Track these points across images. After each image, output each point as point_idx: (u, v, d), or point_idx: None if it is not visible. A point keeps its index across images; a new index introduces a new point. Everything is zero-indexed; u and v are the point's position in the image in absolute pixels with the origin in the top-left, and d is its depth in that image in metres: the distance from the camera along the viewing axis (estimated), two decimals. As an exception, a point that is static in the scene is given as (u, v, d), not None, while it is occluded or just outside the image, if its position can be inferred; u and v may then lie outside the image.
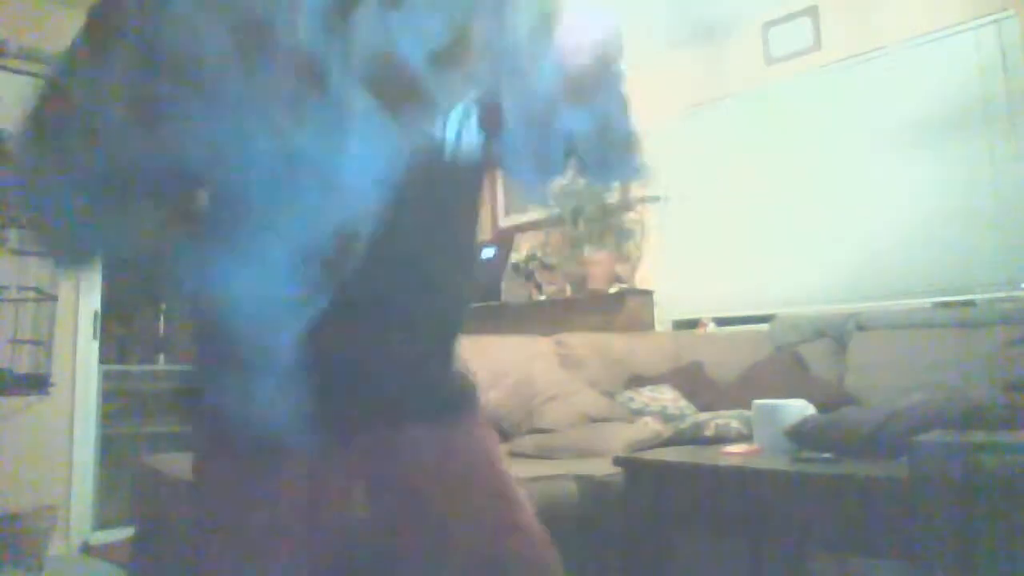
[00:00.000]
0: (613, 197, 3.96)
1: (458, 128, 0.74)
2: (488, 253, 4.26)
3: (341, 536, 0.70)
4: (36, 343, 3.07)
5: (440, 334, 0.80)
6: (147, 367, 4.38)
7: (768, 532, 1.62)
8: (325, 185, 0.61)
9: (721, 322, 3.54)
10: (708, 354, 3.18)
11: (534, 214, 4.51)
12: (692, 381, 3.01)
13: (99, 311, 3.40)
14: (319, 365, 0.63)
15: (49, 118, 0.65)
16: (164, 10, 0.61)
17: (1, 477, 2.92)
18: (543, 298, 4.03)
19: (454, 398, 0.81)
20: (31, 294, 3.05)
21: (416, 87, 0.64)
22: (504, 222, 4.76)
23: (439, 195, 0.75)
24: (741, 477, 1.63)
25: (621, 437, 2.46)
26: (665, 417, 2.73)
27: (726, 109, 3.69)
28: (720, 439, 2.15)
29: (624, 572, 1.83)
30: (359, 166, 0.62)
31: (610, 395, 2.93)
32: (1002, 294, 2.74)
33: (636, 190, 3.95)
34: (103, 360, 3.50)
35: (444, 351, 0.80)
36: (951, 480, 1.24)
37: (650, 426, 2.58)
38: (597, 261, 3.83)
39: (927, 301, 2.89)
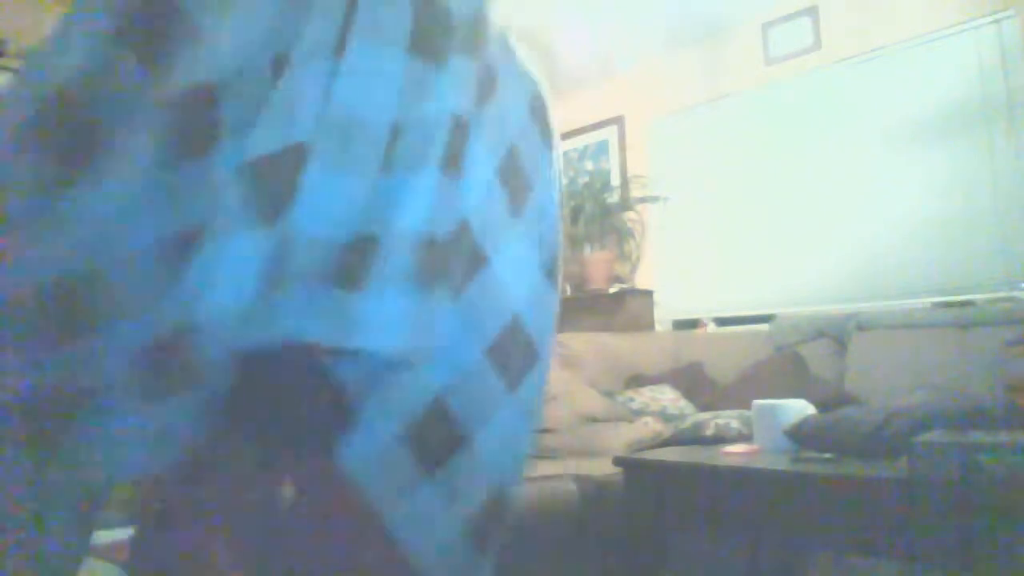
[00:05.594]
0: (613, 197, 3.97)
1: None
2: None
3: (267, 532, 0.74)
4: (36, 343, 3.07)
5: None
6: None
7: (768, 532, 1.63)
8: None
9: (721, 322, 3.54)
10: (708, 354, 3.18)
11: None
12: (692, 381, 3.01)
13: (99, 311, 3.40)
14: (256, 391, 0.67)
15: None
16: None
17: (1, 477, 2.92)
18: (543, 298, 4.03)
19: None
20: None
21: None
22: (504, 222, 4.76)
23: None
24: (741, 477, 1.62)
25: (621, 437, 2.46)
26: (665, 417, 2.73)
27: (726, 109, 3.69)
28: (720, 439, 2.15)
29: (624, 572, 1.83)
30: None
31: (610, 395, 2.93)
32: (1002, 294, 2.75)
33: (636, 190, 3.95)
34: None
35: None
36: (951, 480, 1.24)
37: (650, 426, 2.58)
38: (597, 261, 3.83)
39: (927, 301, 2.89)
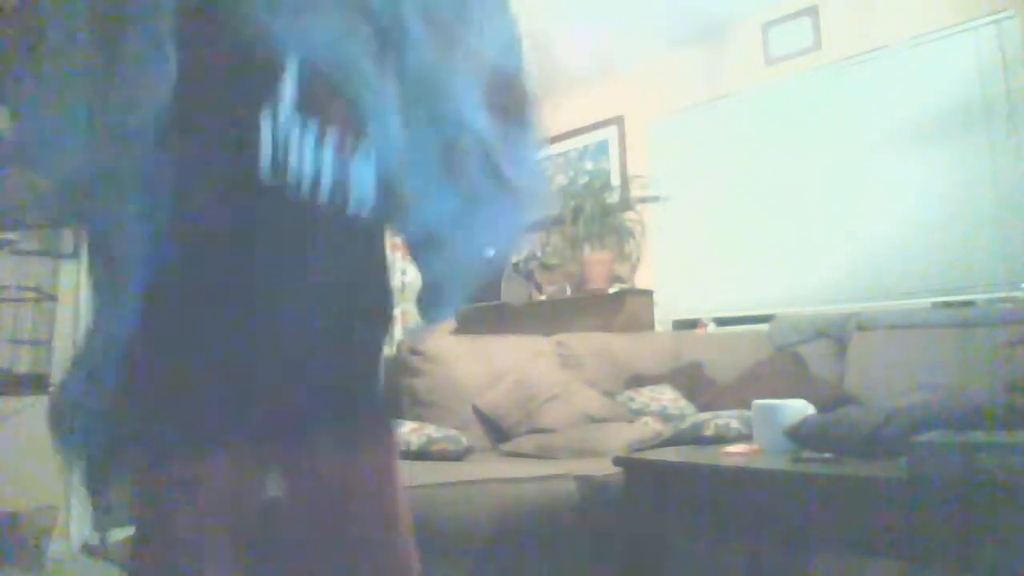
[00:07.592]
0: (613, 197, 3.97)
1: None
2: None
3: (257, 524, 0.76)
4: (36, 343, 3.07)
5: (357, 355, 0.88)
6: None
7: (768, 532, 1.62)
8: None
9: (721, 322, 3.54)
10: (708, 354, 3.17)
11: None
12: (692, 381, 3.01)
13: (99, 311, 3.39)
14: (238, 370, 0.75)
15: None
16: None
17: (1, 477, 2.92)
18: (543, 298, 4.03)
19: (366, 414, 0.89)
20: (31, 294, 3.06)
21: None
22: (504, 222, 4.76)
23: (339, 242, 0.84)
24: (741, 477, 1.63)
25: (621, 437, 2.46)
26: (665, 417, 2.73)
27: (726, 109, 3.69)
28: (720, 439, 2.15)
29: (624, 572, 1.83)
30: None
31: (610, 395, 2.93)
32: (1002, 294, 2.75)
33: (636, 190, 3.95)
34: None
35: (360, 370, 0.89)
36: (951, 480, 1.24)
37: (650, 426, 2.58)
38: (597, 261, 3.83)
39: (927, 301, 2.89)
